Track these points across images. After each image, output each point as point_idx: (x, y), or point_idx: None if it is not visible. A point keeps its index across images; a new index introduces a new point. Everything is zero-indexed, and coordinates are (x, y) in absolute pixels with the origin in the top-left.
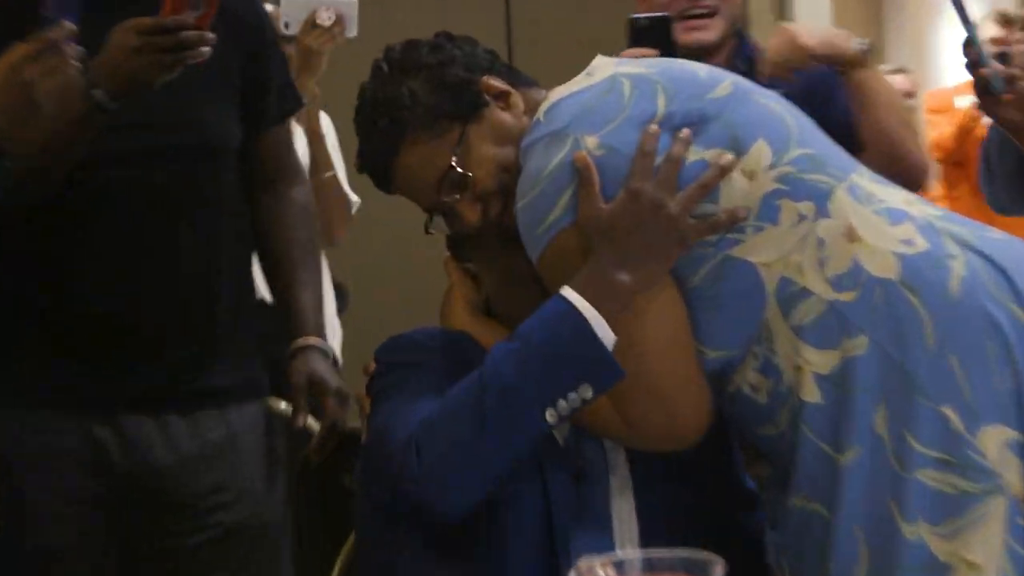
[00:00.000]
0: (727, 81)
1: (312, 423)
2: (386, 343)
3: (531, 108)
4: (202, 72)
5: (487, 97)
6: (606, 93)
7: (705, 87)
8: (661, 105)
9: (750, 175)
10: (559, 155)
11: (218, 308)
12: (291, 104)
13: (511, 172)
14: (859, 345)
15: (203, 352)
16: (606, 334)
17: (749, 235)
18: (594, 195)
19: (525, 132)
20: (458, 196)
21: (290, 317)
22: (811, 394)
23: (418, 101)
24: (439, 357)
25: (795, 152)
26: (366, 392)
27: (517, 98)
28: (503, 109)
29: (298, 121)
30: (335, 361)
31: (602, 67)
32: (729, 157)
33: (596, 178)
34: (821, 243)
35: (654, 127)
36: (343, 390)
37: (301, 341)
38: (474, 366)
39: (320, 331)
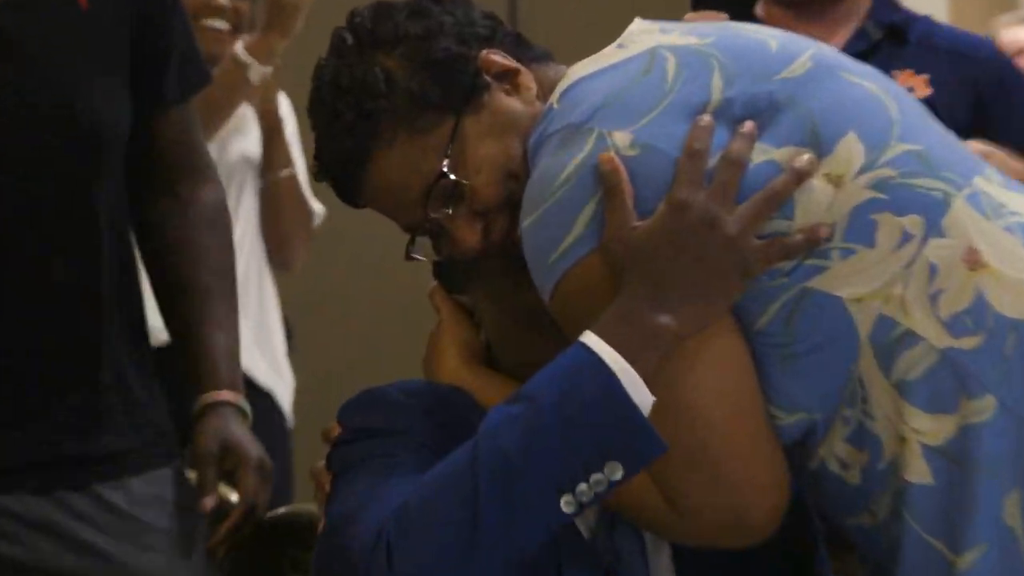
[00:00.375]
0: (806, 54)
1: (231, 496)
2: (353, 401)
3: (546, 91)
4: (77, 41)
5: (487, 78)
6: (643, 73)
7: (776, 63)
8: (716, 88)
9: (836, 181)
10: (579, 156)
11: (104, 352)
12: (196, 80)
13: (521, 178)
14: (984, 409)
15: (87, 409)
16: (641, 395)
17: (835, 261)
18: (625, 210)
19: (536, 122)
20: (451, 211)
21: (196, 365)
22: (918, 473)
23: (396, 86)
24: (423, 421)
25: (897, 149)
26: (326, 466)
27: (527, 77)
28: (508, 93)
29: (249, 101)
30: (282, 424)
31: (640, 36)
32: (808, 157)
33: (628, 187)
34: (933, 271)
35: (707, 118)
36: (265, 462)
37: (210, 396)
38: (469, 434)
39: (235, 383)
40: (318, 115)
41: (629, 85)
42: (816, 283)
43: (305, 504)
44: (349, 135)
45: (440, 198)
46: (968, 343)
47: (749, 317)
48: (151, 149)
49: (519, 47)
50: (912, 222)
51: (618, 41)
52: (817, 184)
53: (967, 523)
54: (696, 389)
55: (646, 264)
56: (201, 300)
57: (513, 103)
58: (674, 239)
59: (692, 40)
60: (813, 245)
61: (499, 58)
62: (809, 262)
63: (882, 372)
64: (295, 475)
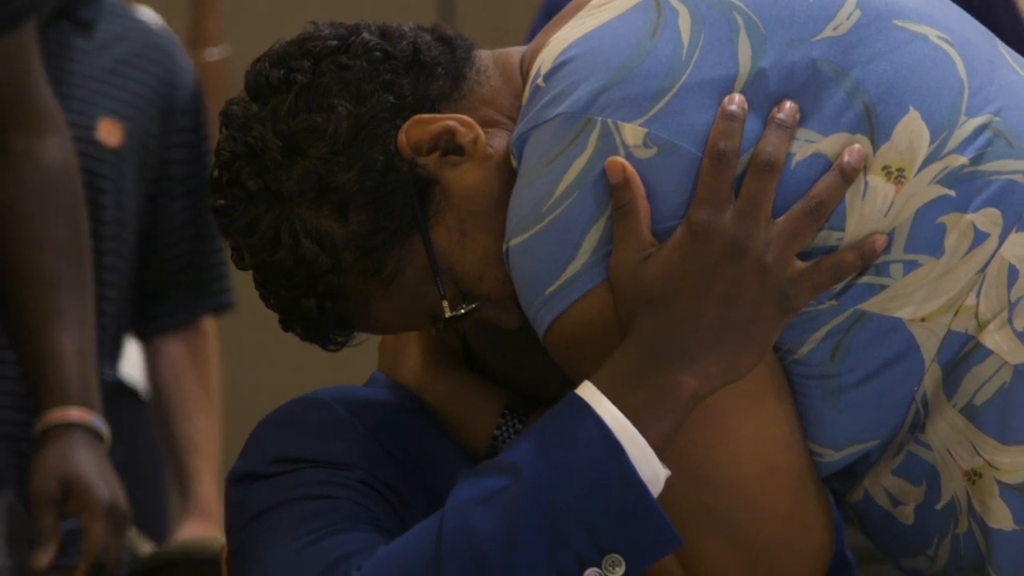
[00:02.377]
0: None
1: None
2: (275, 416)
3: (511, 83)
4: None
5: (422, 165)
6: (650, 35)
7: (817, 17)
8: (744, 56)
9: (896, 176)
10: (581, 158)
11: None
12: (20, 4)
13: None
14: None
15: None
16: (653, 470)
17: (895, 277)
18: (638, 235)
19: (520, 114)
20: (474, 307)
21: (37, 374)
22: (999, 517)
23: (336, 248)
24: (366, 448)
25: (968, 126)
26: (225, 508)
27: (462, 127)
28: (456, 164)
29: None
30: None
31: None
32: (858, 150)
33: (644, 205)
34: (1013, 274)
35: (737, 99)
36: (118, 505)
37: (53, 416)
38: (421, 470)
39: (88, 396)
40: (274, 301)
41: (634, 56)
42: (872, 305)
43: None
44: (320, 314)
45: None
46: None
47: (786, 345)
48: None
49: (452, 64)
50: (987, 217)
51: None
52: (873, 182)
53: None
54: (728, 464)
55: (660, 305)
56: (43, 289)
57: (468, 175)
58: (695, 272)
59: None
60: (868, 262)
61: (419, 131)
62: (864, 280)
63: (945, 395)
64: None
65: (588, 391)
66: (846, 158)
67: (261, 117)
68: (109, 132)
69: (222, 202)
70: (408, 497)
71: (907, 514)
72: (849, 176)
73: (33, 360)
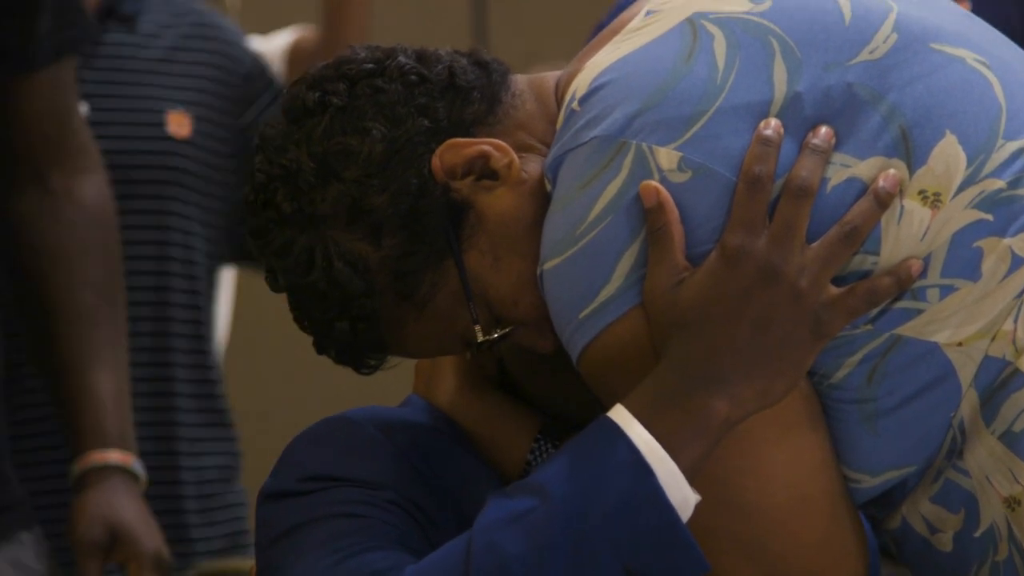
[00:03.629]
0: (888, 22)
1: None
2: (307, 435)
3: (546, 107)
4: None
5: (456, 190)
6: (685, 60)
7: (853, 40)
8: (780, 81)
9: (933, 201)
10: (615, 182)
11: None
12: (72, 36)
13: None
14: None
15: None
16: (683, 495)
17: (931, 302)
18: (672, 260)
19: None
20: (508, 332)
21: (76, 415)
22: None
23: (369, 271)
24: (395, 468)
25: (1006, 150)
26: (257, 526)
27: (497, 151)
28: (491, 188)
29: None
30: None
31: (671, 4)
32: (892, 174)
33: (678, 229)
34: None
35: (774, 123)
36: (163, 553)
37: (94, 459)
38: (449, 493)
39: (126, 438)
40: (308, 323)
41: (669, 80)
42: (908, 329)
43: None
44: (353, 338)
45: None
46: None
47: (821, 369)
48: (8, 123)
49: (489, 89)
50: (1023, 241)
51: (647, 7)
52: (909, 206)
53: None
54: (760, 491)
55: (694, 329)
56: (81, 329)
57: (503, 200)
58: (728, 297)
59: (742, 7)
60: (904, 287)
61: (453, 155)
62: (900, 305)
63: (984, 421)
64: None
65: (620, 414)
66: (881, 183)
67: (296, 139)
68: (179, 124)
69: (257, 224)
70: (437, 518)
71: (945, 542)
72: (884, 201)
73: (71, 400)
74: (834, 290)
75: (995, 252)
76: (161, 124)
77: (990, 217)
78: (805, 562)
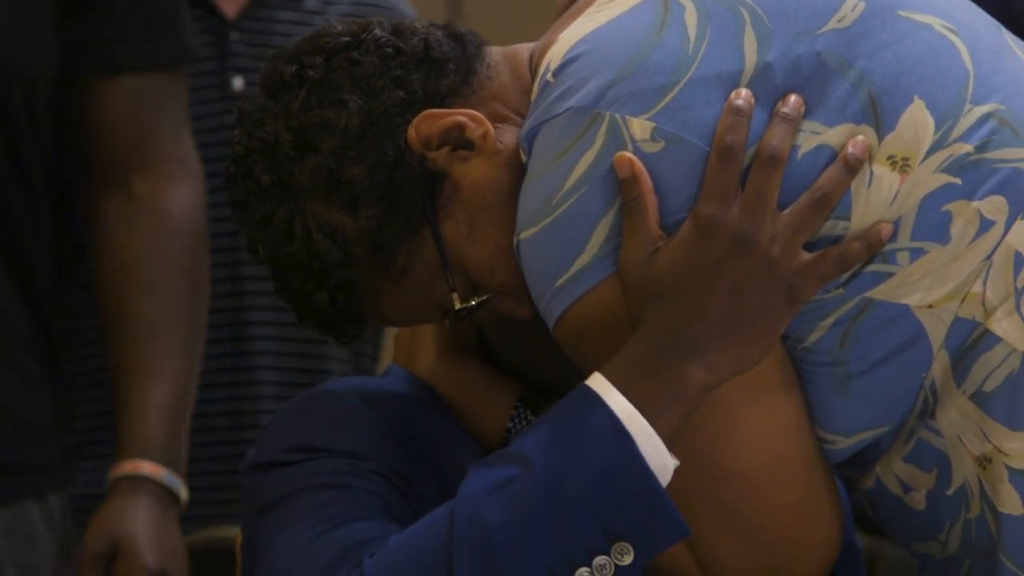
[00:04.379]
0: None
1: None
2: (292, 407)
3: (520, 79)
4: None
5: (432, 159)
6: (657, 31)
7: (822, 8)
8: (750, 50)
9: (901, 165)
10: (590, 152)
11: None
12: (168, 49)
13: None
14: None
15: None
16: (662, 461)
17: (901, 265)
18: (646, 230)
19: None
20: (485, 299)
21: (121, 421)
22: (1009, 502)
23: (347, 241)
24: (378, 438)
25: (973, 114)
26: (243, 496)
27: (472, 122)
28: (467, 159)
29: None
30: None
31: None
32: (861, 141)
33: (652, 199)
34: (1019, 261)
35: (744, 93)
36: (167, 570)
37: (124, 468)
38: (432, 461)
39: (168, 450)
40: (288, 294)
41: (641, 51)
42: (879, 292)
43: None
44: (332, 308)
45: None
46: None
47: (794, 333)
48: (91, 124)
49: (464, 60)
50: (993, 205)
51: None
52: (879, 172)
53: None
54: (736, 455)
55: (669, 298)
56: (139, 337)
57: (478, 169)
58: (702, 266)
59: None
60: (874, 251)
61: (429, 126)
62: (870, 268)
63: (955, 381)
64: None
65: (598, 382)
66: (850, 149)
67: (274, 113)
68: None
69: (237, 197)
70: (420, 487)
71: (918, 500)
72: (853, 167)
73: (120, 408)
74: (806, 256)
75: (964, 215)
76: None
77: (958, 181)
78: (780, 524)
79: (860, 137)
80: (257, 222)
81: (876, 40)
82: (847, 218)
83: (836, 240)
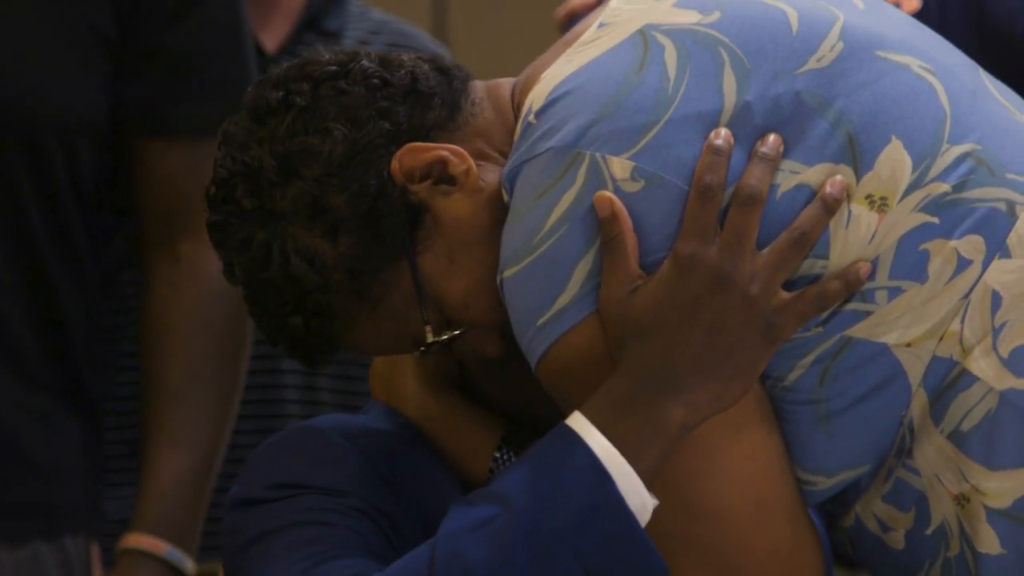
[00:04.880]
0: (834, 30)
1: None
2: (273, 443)
3: (503, 117)
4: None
5: (415, 192)
6: (637, 70)
7: (800, 49)
8: (730, 90)
9: (880, 205)
10: (570, 191)
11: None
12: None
13: None
14: None
15: None
16: (641, 500)
17: (880, 303)
18: (625, 268)
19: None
20: (457, 334)
21: (137, 492)
22: (987, 542)
23: (326, 268)
24: (360, 475)
25: (951, 154)
26: (224, 533)
27: (454, 157)
28: (448, 193)
29: None
30: None
31: (625, 9)
32: (839, 181)
33: (631, 239)
34: (996, 300)
35: (723, 133)
36: None
37: (129, 540)
38: (414, 497)
39: (172, 525)
40: (263, 317)
41: (621, 90)
42: (858, 331)
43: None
44: (306, 332)
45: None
46: None
47: (774, 372)
48: (141, 183)
49: (449, 94)
50: (970, 244)
51: (598, 20)
52: (857, 211)
53: None
54: (716, 495)
55: (648, 336)
56: (159, 403)
57: (459, 205)
58: (682, 304)
59: (691, 18)
60: (852, 290)
61: (412, 159)
62: (850, 307)
63: (933, 420)
64: None
65: (578, 421)
66: (828, 189)
67: (259, 137)
68: None
69: (217, 219)
70: (402, 523)
71: (897, 540)
72: (831, 207)
73: (139, 476)
74: (785, 295)
75: (941, 254)
76: None
77: (936, 220)
78: (761, 568)
79: (838, 177)
80: (236, 245)
81: (854, 80)
82: (826, 257)
83: (815, 279)
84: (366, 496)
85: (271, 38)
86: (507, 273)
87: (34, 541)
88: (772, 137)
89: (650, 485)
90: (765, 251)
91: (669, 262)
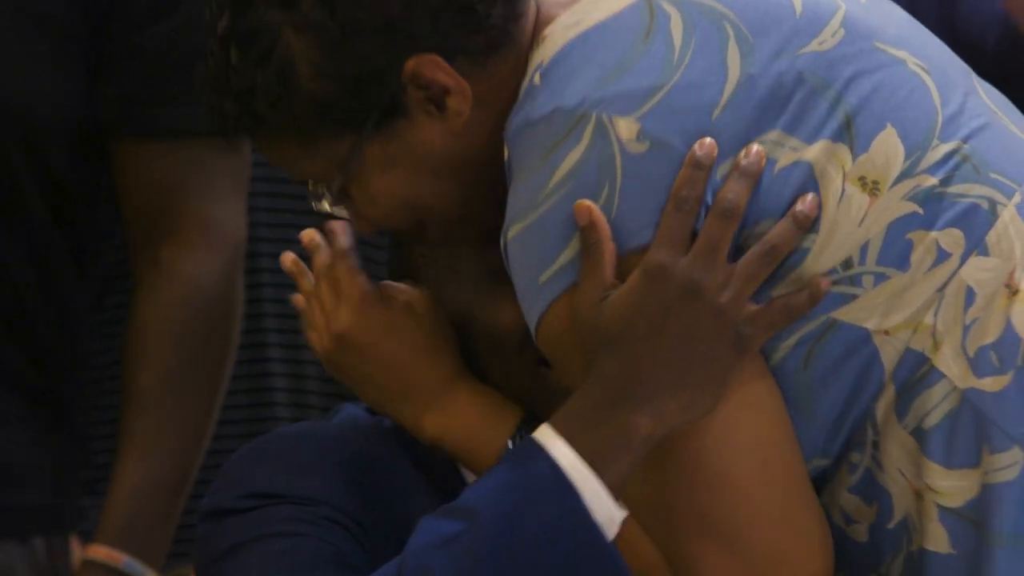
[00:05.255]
0: (836, 17)
1: None
2: (247, 451)
3: (517, 76)
4: None
5: (410, 94)
6: (644, 37)
7: (804, 31)
8: (733, 63)
9: (872, 188)
10: (576, 150)
11: None
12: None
13: (432, 207)
14: (1008, 464)
15: None
16: (608, 513)
17: (865, 287)
18: (601, 275)
19: (515, 106)
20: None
21: (104, 501)
22: (935, 540)
23: (294, 88)
24: (334, 482)
25: (940, 150)
26: (197, 545)
27: (460, 99)
28: (431, 116)
29: None
30: None
31: None
32: (812, 198)
33: (609, 247)
34: (970, 296)
35: (708, 143)
36: None
37: (88, 551)
38: (388, 502)
39: (131, 534)
40: (200, 84)
41: (628, 54)
42: (843, 313)
43: None
44: (229, 122)
45: (336, 200)
46: (992, 384)
47: (763, 353)
48: (122, 185)
49: (481, 24)
50: (950, 238)
51: None
52: (850, 190)
53: None
54: (716, 450)
55: (617, 345)
56: (129, 410)
57: (431, 134)
58: (651, 313)
59: None
60: (816, 303)
61: (428, 70)
62: (836, 289)
63: (896, 416)
64: None
65: (544, 433)
66: (799, 207)
67: None
68: None
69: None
70: (374, 530)
71: (861, 532)
72: (802, 224)
73: (109, 484)
74: (754, 306)
75: (923, 244)
76: None
77: (921, 211)
78: (769, 536)
79: (810, 195)
80: (246, 31)
81: (854, 66)
82: (815, 231)
83: (803, 253)
84: (338, 504)
85: None
86: (512, 232)
87: (2, 540)
88: (756, 148)
89: (618, 496)
90: (737, 263)
91: (639, 271)
